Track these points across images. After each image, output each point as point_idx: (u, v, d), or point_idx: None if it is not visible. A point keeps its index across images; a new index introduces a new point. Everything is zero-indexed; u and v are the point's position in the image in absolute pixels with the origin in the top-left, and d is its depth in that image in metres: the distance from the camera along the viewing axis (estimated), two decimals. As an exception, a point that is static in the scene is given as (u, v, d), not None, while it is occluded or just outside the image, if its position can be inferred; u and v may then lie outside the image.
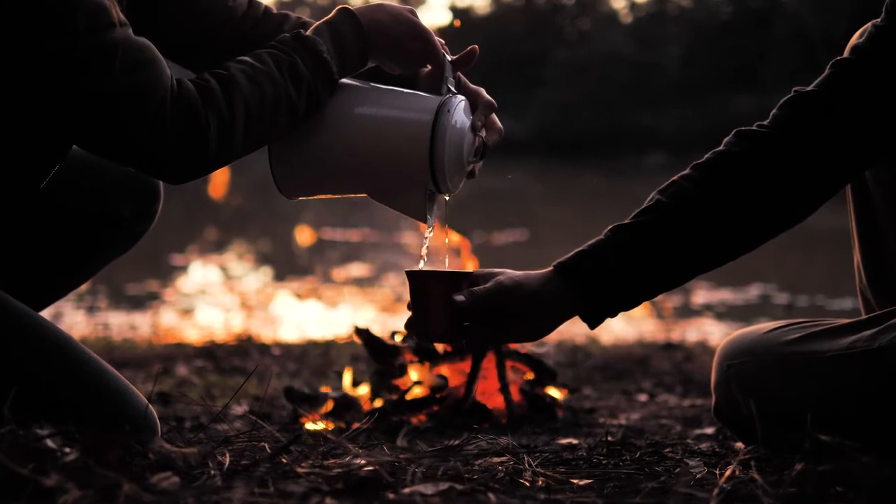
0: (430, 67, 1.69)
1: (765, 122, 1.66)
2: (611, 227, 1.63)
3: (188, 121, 1.43)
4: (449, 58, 1.69)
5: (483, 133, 1.67)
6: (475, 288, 1.61)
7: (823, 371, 1.66)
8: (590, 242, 1.62)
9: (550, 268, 1.62)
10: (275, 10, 1.78)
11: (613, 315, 1.64)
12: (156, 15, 1.67)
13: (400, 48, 1.63)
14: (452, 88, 1.66)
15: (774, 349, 1.74)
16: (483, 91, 1.70)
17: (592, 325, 1.64)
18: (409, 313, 1.69)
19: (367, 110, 1.62)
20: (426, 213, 1.64)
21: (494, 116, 1.71)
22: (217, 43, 1.69)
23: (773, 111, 1.67)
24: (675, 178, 1.64)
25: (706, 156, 1.65)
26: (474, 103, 1.68)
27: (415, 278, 1.64)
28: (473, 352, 1.64)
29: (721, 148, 1.65)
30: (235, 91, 1.47)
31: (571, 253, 1.62)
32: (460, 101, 1.63)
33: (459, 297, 1.59)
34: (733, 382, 1.78)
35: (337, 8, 1.63)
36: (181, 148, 1.44)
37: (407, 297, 1.70)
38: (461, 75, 1.70)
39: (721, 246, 1.64)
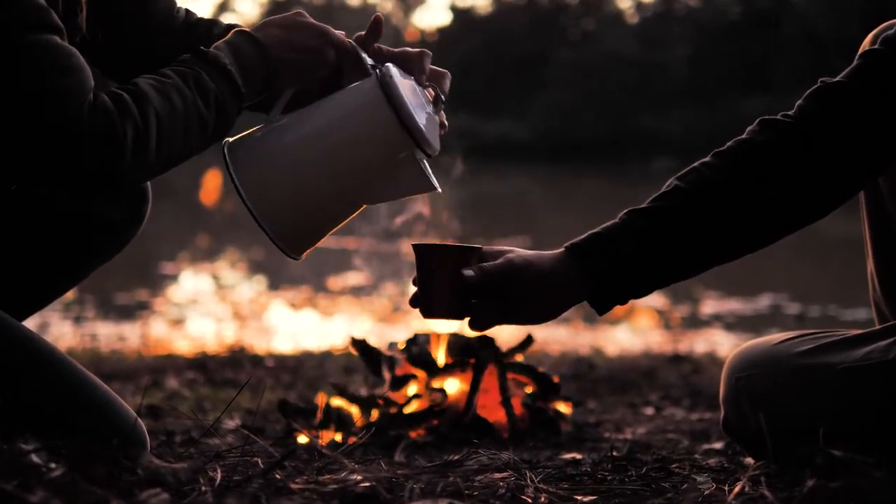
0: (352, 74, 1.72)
1: (790, 112, 1.64)
2: (626, 210, 1.62)
3: (106, 128, 1.47)
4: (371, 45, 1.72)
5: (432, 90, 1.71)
6: (484, 264, 1.59)
7: (836, 384, 1.66)
8: (604, 225, 1.61)
9: (562, 249, 1.61)
10: (210, 17, 1.85)
11: (623, 302, 1.63)
12: (119, 23, 1.76)
13: (303, 51, 1.65)
14: (372, 63, 1.69)
15: (785, 361, 1.74)
16: (407, 48, 1.74)
17: (601, 311, 1.63)
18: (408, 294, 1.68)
19: (318, 128, 1.64)
20: (431, 179, 1.65)
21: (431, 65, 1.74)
22: (159, 52, 1.73)
23: (799, 101, 1.65)
24: (694, 164, 1.63)
25: (728, 143, 1.63)
26: (406, 63, 1.71)
27: (421, 251, 1.62)
28: (478, 330, 1.63)
29: (744, 136, 1.64)
30: (147, 103, 1.50)
31: (584, 235, 1.61)
32: (390, 67, 1.65)
33: (468, 272, 1.58)
34: (742, 396, 1.78)
35: (231, 31, 1.67)
36: (97, 155, 1.47)
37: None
38: (379, 46, 1.74)
39: (738, 237, 1.62)
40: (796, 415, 1.70)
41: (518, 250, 1.62)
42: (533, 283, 1.58)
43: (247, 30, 1.65)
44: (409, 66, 1.70)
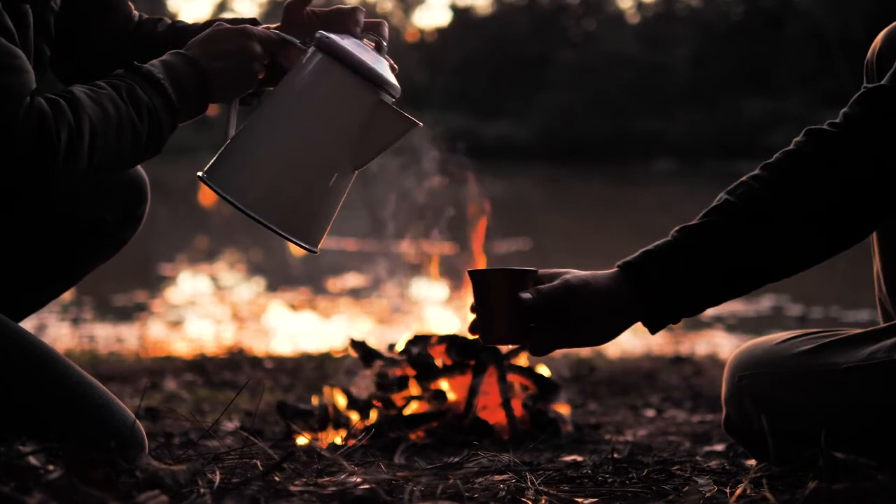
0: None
1: (836, 121, 1.62)
2: (677, 227, 1.62)
3: (40, 131, 1.48)
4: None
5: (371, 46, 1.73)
6: (541, 286, 1.59)
7: (840, 383, 1.65)
8: (656, 243, 1.61)
9: (615, 268, 1.61)
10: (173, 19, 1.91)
11: (675, 322, 1.62)
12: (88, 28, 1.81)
13: (228, 55, 1.66)
14: (301, 41, 1.70)
15: (788, 361, 1.74)
16: (339, 6, 1.76)
17: (653, 330, 1.62)
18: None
19: (283, 116, 1.65)
20: (408, 117, 1.65)
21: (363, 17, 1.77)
22: (122, 57, 1.75)
23: (844, 109, 1.62)
24: (743, 178, 1.62)
25: (775, 155, 1.62)
26: (342, 20, 1.73)
27: (477, 277, 1.63)
28: (539, 355, 1.63)
29: (790, 147, 1.63)
30: (82, 110, 1.52)
31: (637, 253, 1.61)
32: (322, 33, 1.66)
33: (525, 295, 1.58)
34: (745, 395, 1.78)
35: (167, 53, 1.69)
36: (29, 155, 1.48)
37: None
38: (311, 10, 1.77)
39: (790, 253, 1.61)
40: (799, 414, 1.70)
41: (573, 271, 1.61)
42: (591, 302, 1.58)
43: (179, 50, 1.67)
44: (345, 22, 1.73)
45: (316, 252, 1.67)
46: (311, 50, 1.66)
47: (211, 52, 1.66)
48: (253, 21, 1.80)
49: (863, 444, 1.54)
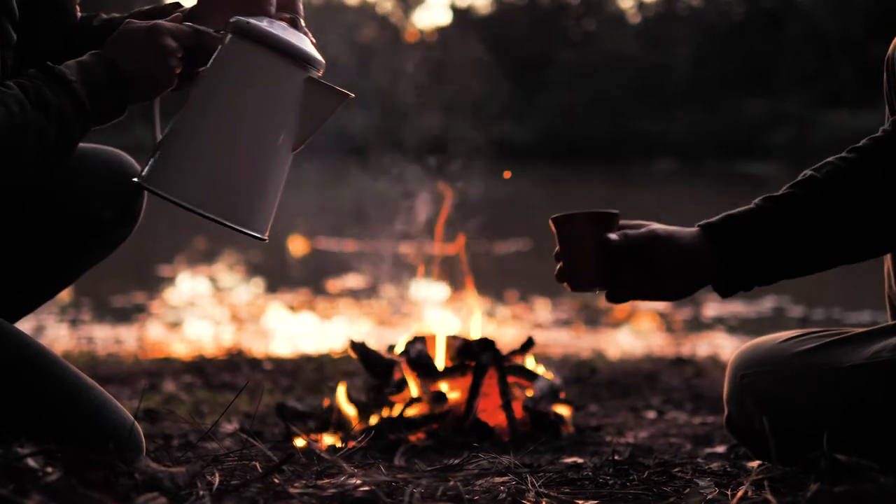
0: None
1: None
2: (761, 196, 1.64)
3: None
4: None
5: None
6: (628, 231, 1.61)
7: (844, 382, 1.65)
8: (739, 208, 1.64)
9: (696, 227, 1.63)
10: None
11: (748, 288, 1.65)
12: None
13: (142, 53, 1.64)
14: (213, 30, 1.69)
15: (790, 359, 1.74)
16: None
17: (725, 294, 1.65)
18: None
19: (211, 107, 1.64)
20: (339, 90, 1.64)
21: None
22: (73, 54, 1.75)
23: None
24: (829, 158, 1.65)
25: (862, 141, 1.65)
26: (254, 1, 1.71)
27: (563, 221, 1.64)
28: (616, 302, 1.65)
29: (878, 134, 1.65)
30: None
31: (719, 215, 1.64)
32: (237, 17, 1.65)
33: (613, 236, 1.60)
34: (747, 394, 1.78)
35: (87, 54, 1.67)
36: None
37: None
38: None
39: (871, 233, 1.64)
40: (802, 413, 1.69)
41: (656, 223, 1.64)
42: (673, 255, 1.61)
43: (98, 51, 1.64)
44: (260, 3, 1.71)
45: (265, 240, 1.66)
46: (228, 37, 1.64)
47: (125, 52, 1.63)
48: (174, 6, 1.78)
49: (865, 444, 1.54)
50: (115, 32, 1.66)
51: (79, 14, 1.87)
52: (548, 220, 1.68)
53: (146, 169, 1.64)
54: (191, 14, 1.76)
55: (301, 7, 1.75)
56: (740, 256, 1.62)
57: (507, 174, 3.01)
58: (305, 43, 1.66)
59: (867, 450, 1.48)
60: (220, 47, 1.65)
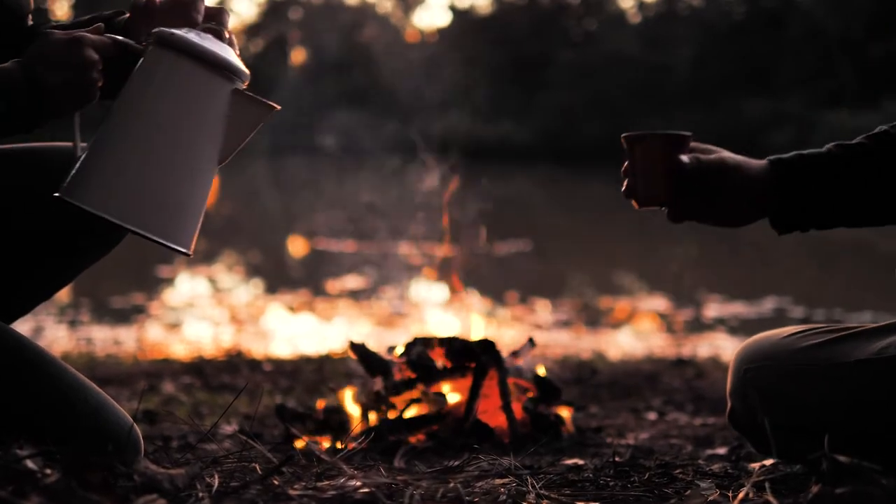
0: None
1: None
2: (834, 143, 1.68)
3: None
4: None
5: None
6: (700, 155, 1.65)
7: (849, 377, 1.64)
8: (810, 150, 1.68)
9: (766, 161, 1.68)
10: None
11: (805, 229, 1.69)
12: None
13: (62, 64, 1.60)
14: (134, 42, 1.67)
15: (795, 354, 1.73)
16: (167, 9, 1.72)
17: (781, 230, 1.69)
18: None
19: (136, 117, 1.60)
20: (265, 102, 1.62)
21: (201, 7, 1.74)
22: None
23: None
24: (883, 126, 1.69)
25: None
26: (182, 11, 1.70)
27: (637, 139, 1.68)
28: (677, 221, 1.69)
29: None
30: None
31: (791, 153, 1.68)
32: (160, 29, 1.63)
33: (685, 158, 1.64)
34: (750, 388, 1.77)
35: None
36: None
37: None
38: (151, 1, 1.73)
39: None
40: (805, 407, 1.69)
41: (726, 151, 1.69)
42: (740, 184, 1.65)
43: (19, 59, 1.60)
44: (186, 12, 1.70)
45: (189, 254, 1.63)
46: (151, 48, 1.61)
47: (44, 63, 1.59)
48: (117, 14, 1.76)
49: (869, 440, 1.54)
50: (36, 42, 1.61)
51: (30, 22, 1.84)
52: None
53: (67, 182, 1.60)
54: (126, 27, 1.73)
55: (227, 19, 1.73)
56: (803, 196, 1.66)
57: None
58: (230, 54, 1.63)
59: (871, 446, 1.48)
60: (142, 58, 1.62)
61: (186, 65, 1.59)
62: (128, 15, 1.77)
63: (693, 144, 1.68)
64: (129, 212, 1.58)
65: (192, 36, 1.61)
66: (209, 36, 1.65)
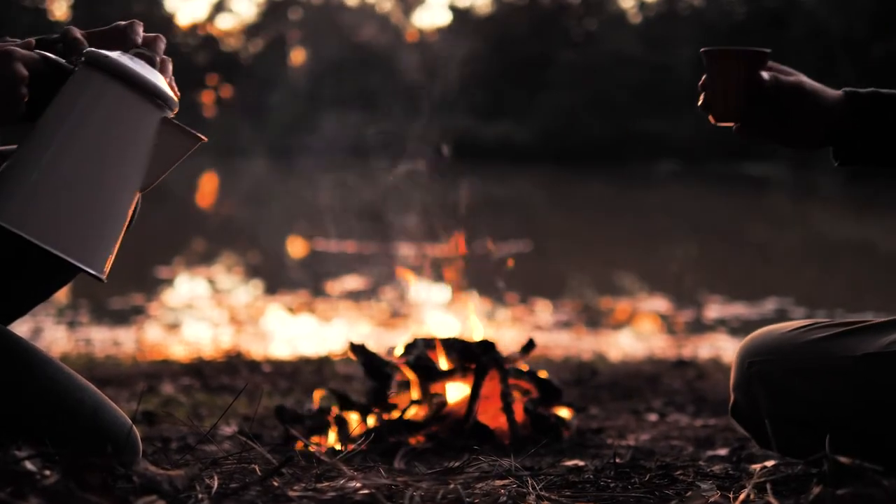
0: None
1: None
2: None
3: None
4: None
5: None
6: (779, 74, 1.69)
7: (855, 370, 1.64)
8: (888, 90, 1.72)
9: (841, 91, 1.72)
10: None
11: (866, 163, 1.73)
12: None
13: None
14: (66, 62, 1.64)
15: (800, 347, 1.73)
16: (117, 23, 1.71)
17: (843, 162, 1.73)
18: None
19: (59, 138, 1.57)
20: (193, 133, 1.61)
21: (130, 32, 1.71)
22: None
23: None
24: None
25: None
26: (119, 36, 1.68)
27: (717, 54, 1.71)
28: (747, 138, 1.74)
29: None
30: None
31: (869, 88, 1.72)
32: (92, 50, 1.60)
33: (766, 74, 1.68)
34: (755, 381, 1.77)
35: None
36: None
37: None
38: (89, 32, 1.70)
39: None
40: (810, 401, 1.68)
41: (805, 76, 1.74)
42: (815, 108, 1.69)
43: None
44: (124, 38, 1.67)
45: (103, 280, 1.58)
46: (80, 68, 1.59)
47: None
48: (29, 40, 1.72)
49: (872, 437, 1.54)
50: None
51: None
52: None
53: None
54: (66, 46, 1.68)
55: (162, 46, 1.70)
56: (876, 129, 1.69)
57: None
58: (162, 82, 1.61)
59: (875, 442, 1.47)
60: (71, 78, 1.60)
61: (117, 88, 1.57)
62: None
63: (771, 64, 1.72)
64: (46, 231, 1.54)
65: (124, 60, 1.59)
66: (142, 61, 1.62)
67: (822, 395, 1.68)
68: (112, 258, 1.60)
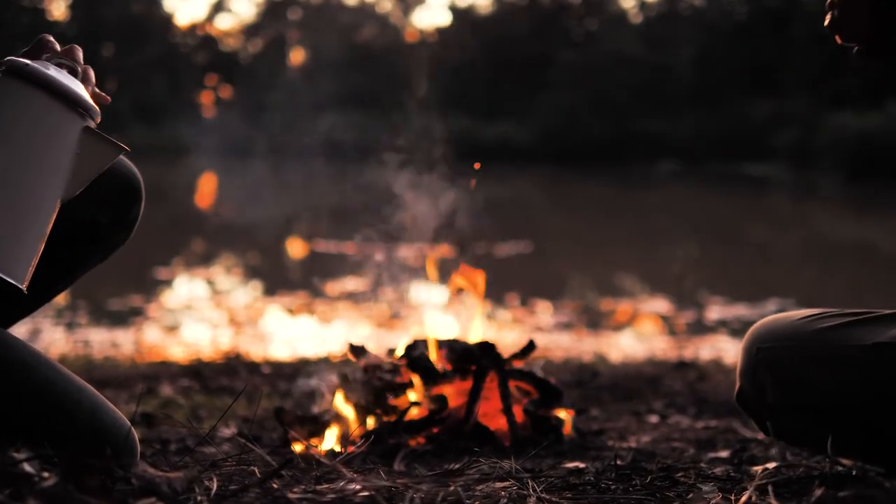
0: None
1: None
2: None
3: None
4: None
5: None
6: None
7: (865, 359, 1.63)
8: None
9: None
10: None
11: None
12: None
13: None
14: None
15: (811, 335, 1.72)
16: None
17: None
18: None
19: None
20: (115, 142, 1.59)
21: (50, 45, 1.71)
22: None
23: None
24: None
25: None
26: (32, 51, 1.67)
27: None
28: (867, 61, 1.76)
29: None
30: None
31: None
32: (10, 58, 1.59)
33: None
34: (762, 367, 1.76)
35: None
36: None
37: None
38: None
39: None
40: (818, 389, 1.68)
41: None
42: None
43: None
44: (38, 50, 1.67)
45: (22, 289, 1.56)
46: (0, 77, 1.56)
47: None
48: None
49: (878, 427, 1.53)
50: None
51: None
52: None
53: None
54: None
55: (80, 56, 1.70)
56: None
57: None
58: (83, 90, 1.60)
59: (878, 433, 1.47)
60: None
61: (39, 97, 1.55)
62: None
63: None
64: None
65: (45, 69, 1.58)
66: (64, 71, 1.62)
67: (829, 383, 1.67)
68: (33, 268, 1.57)
